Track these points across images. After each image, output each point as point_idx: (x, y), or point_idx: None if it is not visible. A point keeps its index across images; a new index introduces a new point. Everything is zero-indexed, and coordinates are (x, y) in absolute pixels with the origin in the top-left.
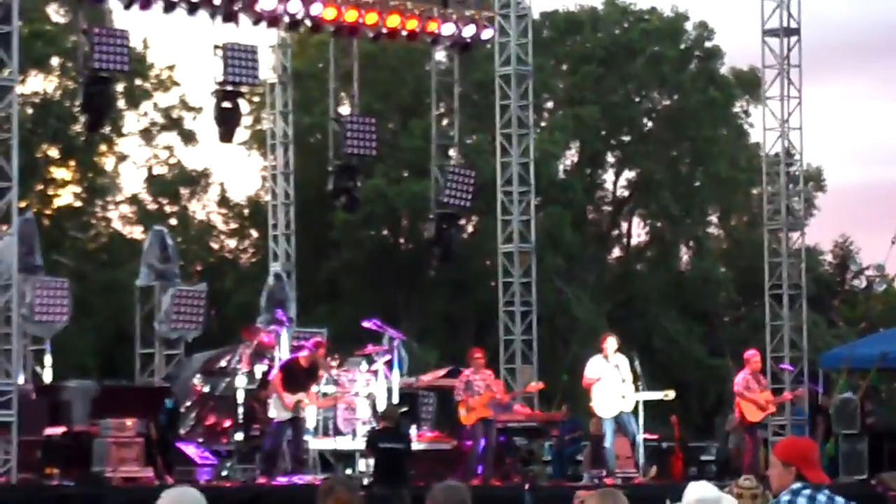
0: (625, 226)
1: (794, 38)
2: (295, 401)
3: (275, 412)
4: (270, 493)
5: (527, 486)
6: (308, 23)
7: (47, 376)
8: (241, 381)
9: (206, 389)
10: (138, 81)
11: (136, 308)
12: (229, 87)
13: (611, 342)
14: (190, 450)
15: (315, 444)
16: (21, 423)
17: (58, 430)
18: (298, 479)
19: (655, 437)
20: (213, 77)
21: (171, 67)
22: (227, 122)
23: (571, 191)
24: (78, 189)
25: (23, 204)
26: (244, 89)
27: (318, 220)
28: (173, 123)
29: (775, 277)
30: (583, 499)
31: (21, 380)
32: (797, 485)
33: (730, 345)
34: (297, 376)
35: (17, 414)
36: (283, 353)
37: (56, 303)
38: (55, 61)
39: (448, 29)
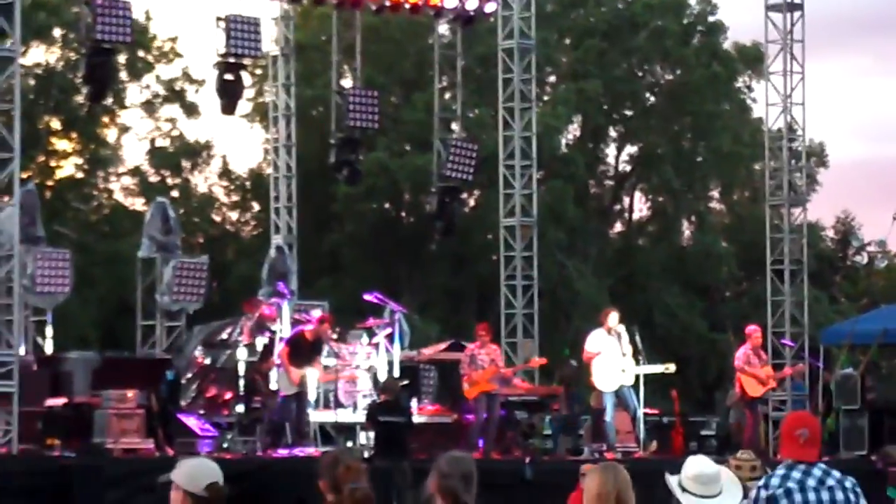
0: (626, 200)
1: (797, 14)
2: (301, 375)
3: (280, 386)
4: (271, 465)
5: (527, 460)
6: None
7: (48, 347)
8: (242, 354)
9: (208, 361)
10: (141, 53)
11: (138, 280)
12: (232, 60)
13: (612, 316)
14: (191, 421)
15: (316, 416)
16: (22, 393)
17: (59, 402)
18: (299, 452)
19: (656, 411)
20: (215, 49)
21: (173, 39)
22: (229, 95)
23: (573, 165)
24: (80, 160)
25: (25, 175)
26: (246, 61)
27: (319, 193)
28: (175, 95)
29: (777, 253)
30: (584, 472)
31: (22, 351)
32: (793, 459)
33: (731, 320)
34: (303, 350)
35: (18, 385)
36: (284, 326)
37: (57, 274)
38: (57, 32)
39: (451, 2)
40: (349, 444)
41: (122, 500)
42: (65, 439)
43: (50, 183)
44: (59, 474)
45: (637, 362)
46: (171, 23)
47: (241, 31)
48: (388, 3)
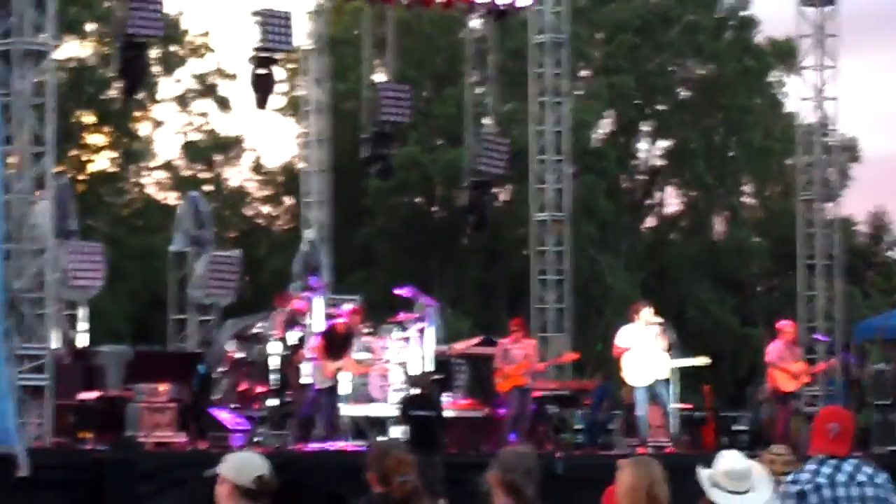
0: (659, 195)
1: (830, 8)
2: (335, 368)
3: (315, 380)
4: (303, 459)
5: (558, 455)
6: None
7: (81, 341)
8: (274, 348)
9: (240, 355)
10: (173, 48)
11: (170, 274)
12: (264, 54)
13: (647, 310)
14: (223, 415)
15: (347, 410)
16: (55, 387)
17: (92, 395)
18: (331, 446)
19: (688, 406)
20: (248, 43)
21: (205, 34)
22: (262, 89)
23: (605, 159)
24: (113, 154)
25: (58, 169)
26: (279, 56)
27: (351, 187)
28: (208, 90)
29: (809, 248)
30: (620, 466)
31: (55, 344)
32: (823, 454)
33: (763, 314)
34: (336, 343)
35: (51, 378)
36: (316, 320)
37: (90, 268)
38: (90, 27)
39: None
40: (381, 438)
41: (155, 493)
42: (97, 433)
43: (83, 177)
44: (92, 467)
45: (669, 357)
46: (203, 17)
47: (273, 25)
48: None
